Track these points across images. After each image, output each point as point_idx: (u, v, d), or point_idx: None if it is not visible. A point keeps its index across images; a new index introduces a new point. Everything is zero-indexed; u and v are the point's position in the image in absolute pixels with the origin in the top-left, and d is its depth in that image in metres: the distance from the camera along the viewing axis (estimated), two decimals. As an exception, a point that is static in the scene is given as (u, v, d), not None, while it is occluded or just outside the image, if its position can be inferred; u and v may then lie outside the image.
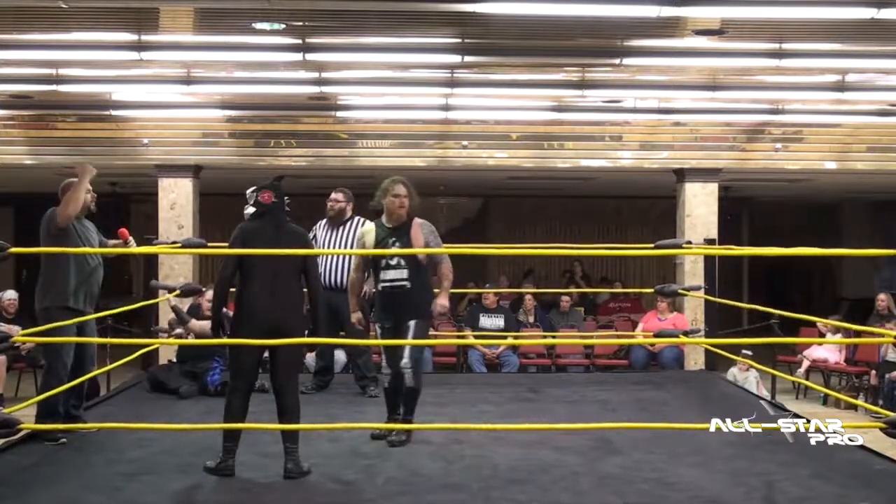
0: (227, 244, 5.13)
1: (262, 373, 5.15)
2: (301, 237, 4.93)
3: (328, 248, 6.86)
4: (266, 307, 4.63)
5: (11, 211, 15.36)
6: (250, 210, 4.86)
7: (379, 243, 5.38)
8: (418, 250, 5.32)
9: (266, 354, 4.84)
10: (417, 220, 5.46)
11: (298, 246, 4.82)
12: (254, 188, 4.86)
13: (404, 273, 5.35)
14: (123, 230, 5.77)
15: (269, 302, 4.64)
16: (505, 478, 4.64)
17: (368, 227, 5.58)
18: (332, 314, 6.76)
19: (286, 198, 4.91)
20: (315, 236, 6.97)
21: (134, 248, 5.94)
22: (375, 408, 6.38)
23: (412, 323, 5.37)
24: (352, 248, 6.81)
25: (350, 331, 6.80)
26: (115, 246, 5.71)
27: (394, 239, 5.37)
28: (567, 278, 15.01)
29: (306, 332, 4.88)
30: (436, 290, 5.49)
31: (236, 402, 4.69)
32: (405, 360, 5.35)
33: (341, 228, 6.94)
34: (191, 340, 6.95)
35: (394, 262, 5.33)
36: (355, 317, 5.61)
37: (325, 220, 7.04)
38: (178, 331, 7.34)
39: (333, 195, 7.00)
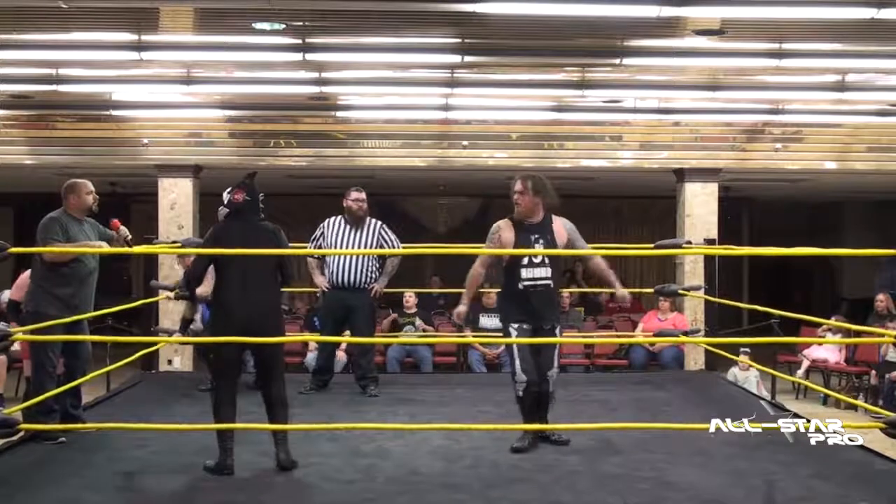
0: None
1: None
2: (273, 234, 4.87)
3: (344, 247, 6.85)
4: (241, 306, 4.64)
5: (11, 211, 15.36)
6: (224, 210, 4.88)
7: (519, 241, 5.22)
8: (562, 251, 5.29)
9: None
10: (558, 218, 5.35)
11: (272, 244, 4.79)
12: (228, 189, 4.83)
13: (548, 272, 5.23)
14: (115, 221, 5.76)
15: (244, 301, 4.64)
16: (505, 477, 4.64)
17: (503, 224, 5.31)
18: (344, 312, 6.80)
19: (260, 195, 4.83)
20: (323, 234, 6.95)
21: (134, 248, 5.93)
22: (375, 408, 6.40)
23: (558, 329, 5.34)
24: (367, 248, 6.82)
25: (357, 329, 6.83)
26: (110, 238, 5.70)
27: (537, 236, 5.24)
28: (568, 277, 15.01)
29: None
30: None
31: (225, 400, 4.71)
32: (555, 370, 5.31)
33: (363, 229, 6.92)
34: (198, 338, 6.91)
35: (538, 259, 5.22)
36: (461, 310, 5.25)
37: (338, 218, 6.98)
38: (196, 324, 7.22)
39: (358, 195, 6.93)
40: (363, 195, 6.96)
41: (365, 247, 6.83)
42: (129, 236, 5.77)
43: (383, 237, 6.94)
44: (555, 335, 5.33)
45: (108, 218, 5.75)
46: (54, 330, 5.23)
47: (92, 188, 5.56)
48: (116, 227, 5.75)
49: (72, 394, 5.48)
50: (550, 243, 5.25)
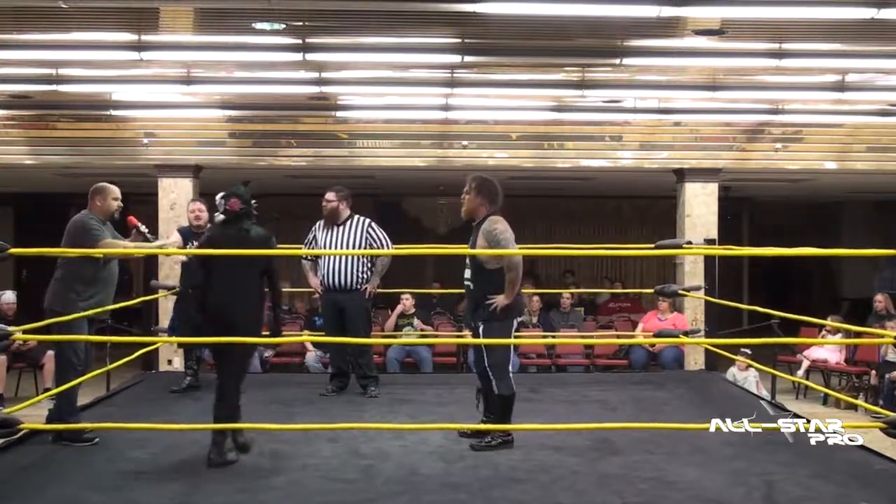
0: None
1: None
2: (264, 241, 5.06)
3: (327, 248, 6.83)
4: (220, 304, 4.87)
5: (11, 211, 15.36)
6: (220, 217, 5.09)
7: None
8: (479, 251, 5.23)
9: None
10: (490, 220, 5.28)
11: (262, 248, 5.01)
12: (222, 195, 5.02)
13: (468, 273, 5.35)
14: (132, 217, 5.77)
15: (224, 300, 4.87)
16: (505, 477, 4.65)
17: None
18: (338, 314, 6.80)
19: (254, 202, 5.06)
20: (315, 237, 6.97)
21: (137, 249, 5.88)
22: (375, 408, 6.41)
23: (481, 327, 5.26)
24: (354, 247, 6.80)
25: (351, 331, 6.82)
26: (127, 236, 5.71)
27: (472, 237, 5.36)
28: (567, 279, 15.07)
29: (267, 331, 5.15)
30: None
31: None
32: (487, 369, 5.29)
33: (341, 228, 6.90)
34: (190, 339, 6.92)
35: (468, 261, 5.32)
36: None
37: (323, 221, 7.00)
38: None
39: (326, 195, 6.93)
40: (331, 195, 6.88)
41: (351, 247, 6.77)
42: (148, 230, 5.77)
43: (371, 236, 6.86)
44: (478, 335, 5.29)
45: (121, 218, 5.73)
46: (80, 329, 5.22)
47: (119, 195, 5.55)
48: (134, 225, 5.74)
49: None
50: (471, 245, 5.35)
